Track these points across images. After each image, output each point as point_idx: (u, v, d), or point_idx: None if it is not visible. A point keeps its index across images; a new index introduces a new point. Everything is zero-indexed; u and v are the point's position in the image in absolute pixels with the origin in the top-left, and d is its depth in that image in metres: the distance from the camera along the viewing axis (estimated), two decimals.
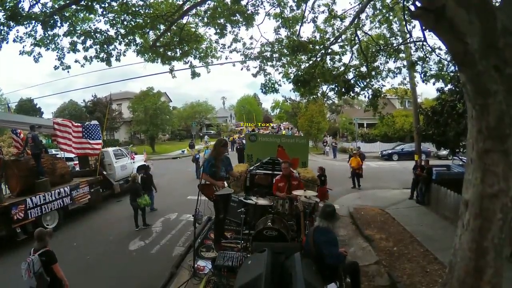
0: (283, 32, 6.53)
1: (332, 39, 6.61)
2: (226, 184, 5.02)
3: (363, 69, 7.79)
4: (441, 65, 8.25)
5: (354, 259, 4.75)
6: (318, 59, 6.49)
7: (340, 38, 6.74)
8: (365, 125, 31.39)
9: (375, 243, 6.01)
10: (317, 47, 6.66)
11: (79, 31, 6.27)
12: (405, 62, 8.63)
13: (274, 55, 6.38)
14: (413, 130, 25.44)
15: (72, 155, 11.06)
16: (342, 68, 7.21)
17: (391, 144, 24.95)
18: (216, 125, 47.12)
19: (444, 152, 20.15)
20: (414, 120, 10.19)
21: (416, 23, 8.03)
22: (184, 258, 5.35)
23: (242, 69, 6.62)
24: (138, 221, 7.25)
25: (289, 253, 3.31)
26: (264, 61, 6.36)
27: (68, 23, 6.03)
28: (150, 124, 27.87)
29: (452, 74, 8.56)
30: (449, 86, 8.89)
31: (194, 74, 7.10)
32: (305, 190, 5.16)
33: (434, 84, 8.37)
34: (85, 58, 6.46)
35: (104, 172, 10.03)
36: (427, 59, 7.89)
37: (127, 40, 6.64)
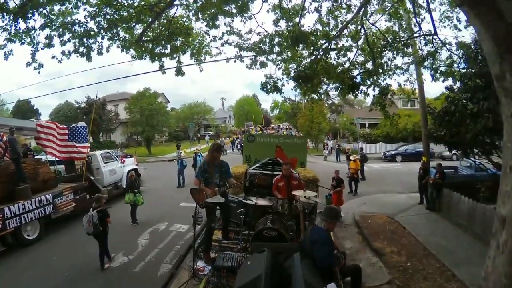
0: (283, 25, 5.93)
1: (336, 31, 5.99)
2: (217, 192, 4.65)
3: (369, 65, 7.23)
4: (451, 61, 7.70)
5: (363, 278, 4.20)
6: (321, 53, 5.87)
7: (346, 30, 6.12)
8: (366, 126, 30.80)
9: (385, 257, 5.39)
10: (320, 41, 6.06)
11: (57, 24, 5.68)
12: (413, 58, 8.06)
13: (274, 49, 5.74)
14: (416, 130, 25.00)
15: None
16: (347, 64, 6.60)
17: (393, 145, 24.33)
18: (215, 126, 46.58)
19: (447, 153, 19.54)
20: (422, 120, 9.59)
21: (426, 15, 7.50)
22: (183, 258, 5.33)
23: (235, 61, 5.97)
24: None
25: (289, 253, 3.36)
26: (261, 53, 5.71)
27: (42, 13, 5.45)
28: (146, 125, 27.28)
29: (463, 71, 8.02)
30: (458, 84, 8.36)
31: (179, 71, 6.48)
32: (305, 191, 5.09)
33: (443, 81, 7.85)
34: (63, 53, 5.87)
35: (92, 177, 9.41)
36: (437, 54, 7.31)
37: (110, 35, 6.03)
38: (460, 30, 7.64)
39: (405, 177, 13.85)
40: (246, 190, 7.04)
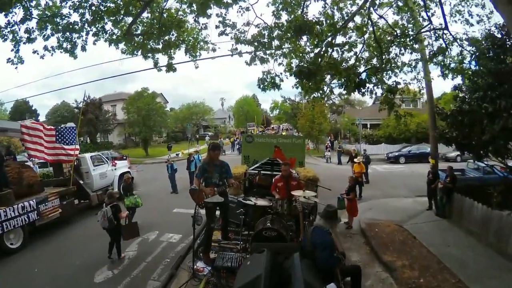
0: (284, 16, 5.45)
1: (342, 23, 5.47)
2: (216, 192, 4.62)
3: (375, 61, 6.73)
4: (462, 57, 7.22)
5: None
6: (327, 47, 5.34)
7: (351, 23, 5.61)
8: (368, 126, 30.26)
9: (397, 273, 4.86)
10: (326, 33, 5.56)
11: (38, 17, 5.22)
12: (421, 55, 7.57)
13: (274, 42, 5.23)
14: (419, 131, 24.37)
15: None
16: (353, 60, 6.10)
17: (396, 146, 23.76)
18: (214, 126, 46.01)
19: (451, 154, 18.95)
20: (430, 120, 9.08)
21: (436, 9, 7.02)
22: (183, 259, 5.30)
23: (232, 55, 5.49)
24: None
25: (288, 253, 3.34)
26: (260, 46, 5.19)
27: (24, 6, 4.98)
28: (142, 126, 26.74)
29: (475, 68, 7.53)
30: (465, 83, 7.89)
31: (170, 67, 6.01)
32: (304, 191, 5.03)
33: (453, 79, 7.39)
34: (45, 48, 5.42)
35: (81, 181, 8.88)
36: (448, 49, 6.83)
37: (94, 29, 5.56)
38: (472, 25, 7.19)
39: (410, 179, 13.40)
40: (245, 190, 7.06)
